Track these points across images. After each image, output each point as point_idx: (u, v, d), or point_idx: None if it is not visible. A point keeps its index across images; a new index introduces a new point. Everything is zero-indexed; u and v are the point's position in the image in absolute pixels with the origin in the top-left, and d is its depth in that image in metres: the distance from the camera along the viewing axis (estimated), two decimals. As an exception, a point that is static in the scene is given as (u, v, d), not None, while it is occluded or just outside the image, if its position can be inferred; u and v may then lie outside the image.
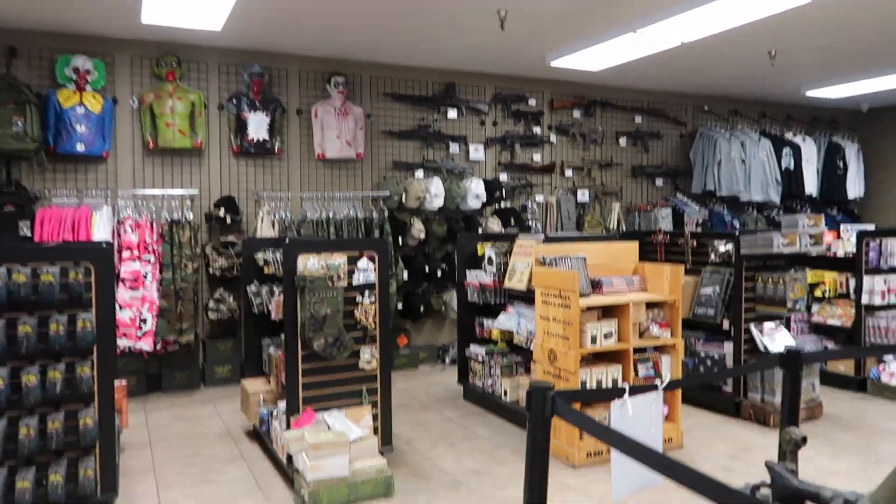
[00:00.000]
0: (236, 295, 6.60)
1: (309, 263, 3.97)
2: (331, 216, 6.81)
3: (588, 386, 4.34)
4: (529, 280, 5.10)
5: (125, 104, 6.28)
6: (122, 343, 5.76)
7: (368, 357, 4.16)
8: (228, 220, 6.47)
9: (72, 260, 3.45)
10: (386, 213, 7.09)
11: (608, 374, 4.42)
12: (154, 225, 6.07)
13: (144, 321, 5.88)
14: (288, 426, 4.00)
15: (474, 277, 5.81)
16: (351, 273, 4.11)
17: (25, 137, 5.28)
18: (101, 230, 5.64)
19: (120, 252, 5.87)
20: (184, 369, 6.37)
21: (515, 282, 5.29)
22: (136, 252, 5.90)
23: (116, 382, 4.52)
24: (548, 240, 5.10)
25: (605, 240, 5.50)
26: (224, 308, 6.43)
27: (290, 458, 3.91)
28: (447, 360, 7.38)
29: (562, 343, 4.40)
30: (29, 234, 5.47)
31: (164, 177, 6.48)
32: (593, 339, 4.35)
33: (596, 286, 4.63)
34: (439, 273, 7.38)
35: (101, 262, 3.53)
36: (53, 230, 5.52)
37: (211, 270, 6.42)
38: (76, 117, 5.79)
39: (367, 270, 4.15)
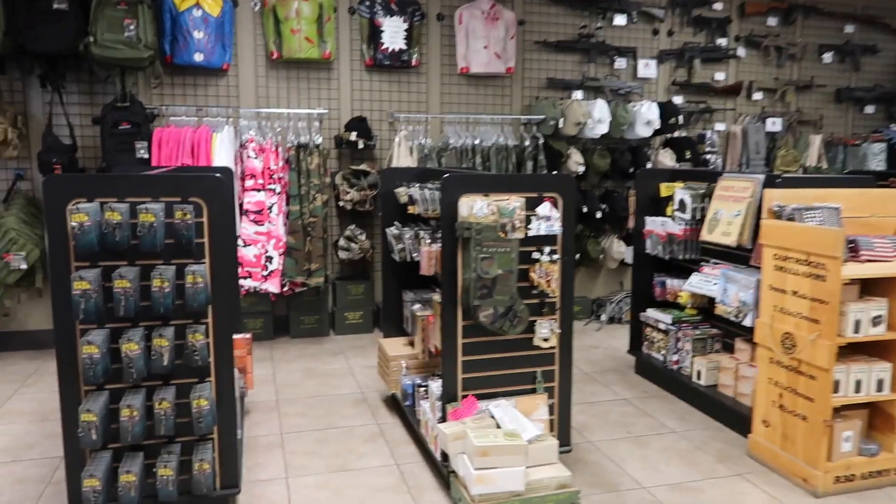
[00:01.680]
0: (369, 233, 5.80)
1: (475, 207, 2.99)
2: (476, 144, 5.78)
3: (843, 387, 3.17)
4: (741, 233, 3.89)
5: (245, 5, 5.44)
6: (247, 283, 5.13)
7: (546, 332, 3.18)
8: (360, 145, 5.60)
9: (179, 194, 2.65)
10: (540, 141, 5.97)
11: (872, 375, 3.21)
12: (279, 149, 5.30)
13: (270, 259, 5.21)
14: (443, 416, 3.13)
15: (658, 225, 4.64)
16: (527, 221, 3.09)
17: (139, 44, 4.56)
18: (222, 154, 4.93)
19: (243, 180, 5.17)
20: (312, 313, 5.71)
21: (719, 235, 4.09)
22: (260, 181, 5.17)
23: (240, 336, 3.86)
24: (772, 183, 3.83)
25: (851, 184, 4.12)
26: (356, 247, 5.65)
27: (445, 455, 3.07)
28: (603, 317, 6.32)
29: (806, 326, 3.22)
30: (146, 156, 4.84)
31: (290, 93, 5.67)
32: (857, 326, 3.13)
33: (851, 249, 3.36)
34: (598, 214, 6.23)
35: (216, 198, 2.71)
36: (172, 153, 4.86)
37: (341, 203, 5.63)
38: (193, 21, 5.02)
39: (549, 219, 3.12)
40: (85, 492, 2.53)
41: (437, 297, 3.41)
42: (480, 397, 3.13)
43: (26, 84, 5.05)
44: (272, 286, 5.22)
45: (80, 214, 2.41)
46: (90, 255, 2.53)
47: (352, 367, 4.98)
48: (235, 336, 3.70)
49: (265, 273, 5.19)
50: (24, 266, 4.79)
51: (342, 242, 5.67)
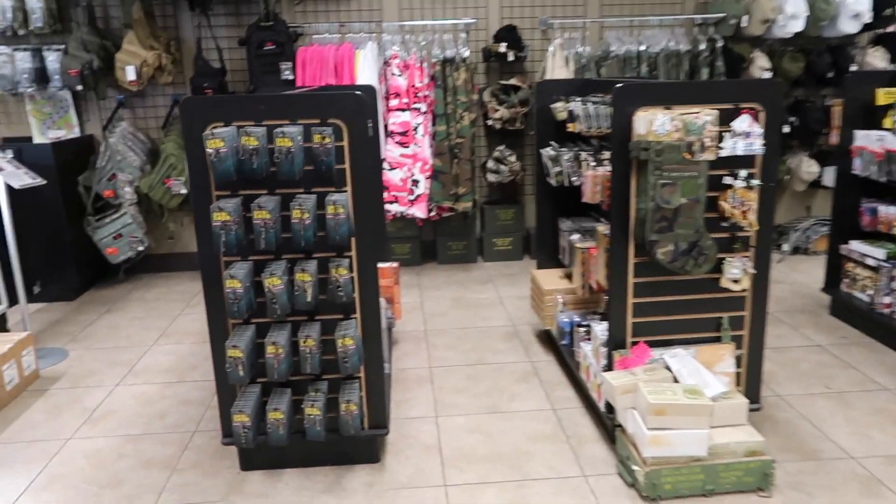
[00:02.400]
0: (519, 154, 5.39)
1: (656, 123, 2.48)
2: (642, 50, 5.08)
3: None
4: None
5: None
6: (394, 208, 4.96)
7: (738, 272, 2.67)
8: (510, 58, 5.11)
9: (317, 116, 2.39)
10: (719, 44, 5.14)
11: None
12: (424, 65, 4.95)
13: (416, 183, 4.97)
14: (609, 364, 2.76)
15: (872, 141, 3.81)
16: (719, 139, 2.54)
17: (279, -43, 4.33)
18: (365, 72, 4.67)
19: (387, 99, 4.91)
20: (460, 239, 5.48)
21: (962, 150, 3.25)
22: (404, 100, 4.88)
23: (388, 265, 3.69)
24: None
25: None
26: (505, 170, 5.27)
27: (609, 406, 2.72)
28: (786, 247, 5.53)
29: None
30: (291, 76, 4.70)
31: (435, 3, 5.25)
32: None
33: None
34: (786, 128, 5.35)
35: (357, 119, 2.43)
36: (315, 73, 4.68)
37: (489, 122, 5.23)
38: (334, -72, 4.70)
39: (748, 136, 2.55)
40: (235, 427, 2.47)
41: (601, 227, 2.98)
42: (654, 345, 2.72)
43: (177, 8, 5.05)
44: (419, 211, 5.01)
45: (216, 140, 2.23)
46: (229, 183, 2.37)
47: (501, 297, 4.71)
48: (382, 265, 3.53)
49: (411, 197, 4.98)
50: (184, 191, 4.92)
51: (491, 164, 5.30)
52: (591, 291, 3.38)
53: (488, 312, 4.44)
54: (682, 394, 2.44)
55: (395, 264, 3.77)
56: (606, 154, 3.13)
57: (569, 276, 3.75)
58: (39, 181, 3.77)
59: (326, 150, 2.34)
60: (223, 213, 2.28)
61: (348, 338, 2.47)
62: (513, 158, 5.29)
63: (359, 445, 2.72)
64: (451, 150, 5.01)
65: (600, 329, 2.91)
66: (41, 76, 4.87)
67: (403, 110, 4.86)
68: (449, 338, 4.04)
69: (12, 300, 3.91)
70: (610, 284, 2.72)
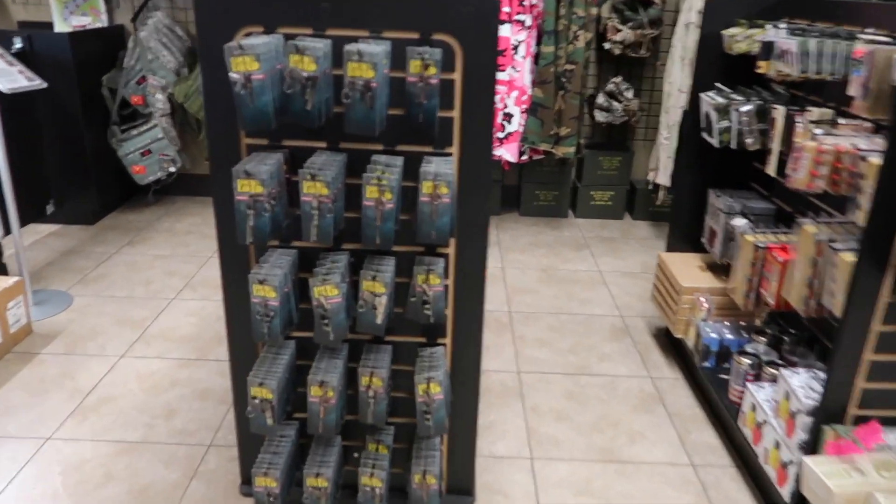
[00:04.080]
0: (638, 88, 4.30)
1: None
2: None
3: None
4: None
5: None
6: (476, 147, 3.99)
7: None
8: (644, -37, 3.95)
9: (416, 25, 1.44)
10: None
11: None
12: (535, -35, 3.85)
13: (510, 118, 3.98)
14: (812, 442, 1.84)
15: None
16: None
17: None
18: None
19: (483, 7, 3.83)
20: (551, 188, 4.50)
21: None
22: (506, 8, 3.81)
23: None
24: None
25: None
26: (618, 108, 4.21)
27: (800, 497, 1.83)
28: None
29: None
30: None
31: None
32: None
33: None
34: None
35: (482, 39, 1.47)
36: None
37: (607, 45, 4.13)
38: None
39: None
40: (258, 492, 1.67)
41: (810, 226, 1.99)
42: (888, 423, 1.79)
43: None
44: (508, 153, 4.04)
45: (247, 59, 1.30)
46: (264, 132, 1.46)
47: (602, 272, 3.78)
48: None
49: (501, 135, 4.00)
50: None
51: (601, 100, 4.24)
52: (757, 303, 2.43)
53: (588, 293, 3.53)
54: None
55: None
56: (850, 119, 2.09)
57: (712, 269, 2.79)
58: (37, 84, 2.93)
59: (428, 88, 1.40)
60: (251, 182, 1.38)
61: (435, 384, 1.60)
62: (630, 94, 4.22)
63: (430, 514, 1.91)
64: (557, 79, 3.96)
65: (798, 383, 1.97)
66: (60, -54, 3.95)
67: (503, 22, 3.80)
68: (540, 328, 3.16)
69: (7, 229, 3.16)
70: (838, 328, 1.76)
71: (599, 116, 4.26)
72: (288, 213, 1.56)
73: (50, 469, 2.15)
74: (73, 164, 4.03)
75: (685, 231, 3.01)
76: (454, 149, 1.55)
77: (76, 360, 2.74)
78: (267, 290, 1.48)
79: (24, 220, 4.00)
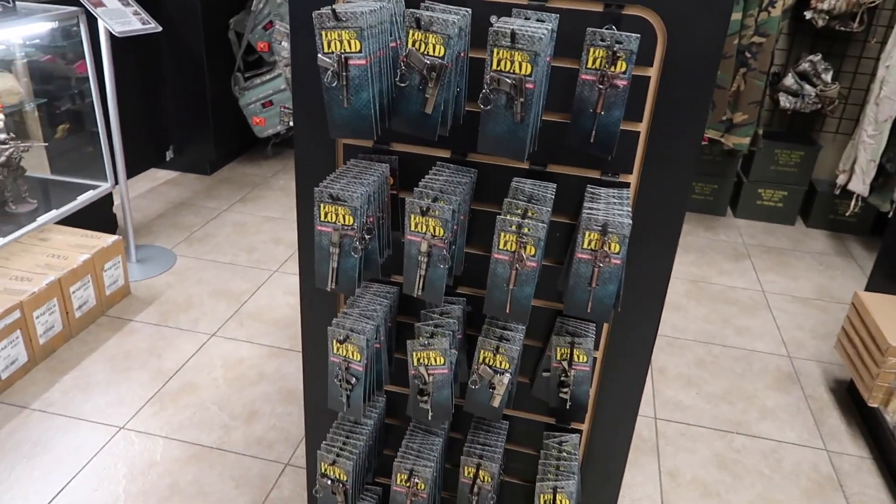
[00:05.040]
0: (837, 70, 3.51)
1: None
2: None
3: None
4: None
5: None
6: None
7: None
8: (874, -88, 3.12)
9: None
10: None
11: None
12: None
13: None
14: None
15: None
16: None
17: None
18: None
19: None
20: (710, 180, 3.84)
21: None
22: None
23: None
24: None
25: None
26: (811, 92, 3.45)
27: None
28: None
29: None
30: None
31: None
32: None
33: None
34: None
35: (696, 14, 0.95)
36: None
37: (808, 14, 3.36)
38: None
39: None
40: (321, 580, 1.32)
41: None
42: None
43: None
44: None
45: (345, 34, 0.87)
46: (364, 132, 1.04)
47: (766, 292, 3.14)
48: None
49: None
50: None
51: (789, 81, 3.49)
52: None
53: (747, 319, 2.92)
54: None
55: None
56: None
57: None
58: (152, 27, 2.68)
59: (614, 92, 0.91)
60: (339, 210, 0.97)
61: (563, 496, 1.16)
62: (828, 77, 3.44)
63: None
64: (739, 54, 3.27)
65: None
66: None
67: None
68: (685, 360, 2.62)
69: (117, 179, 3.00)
70: None
71: (785, 101, 3.52)
72: (391, 239, 1.15)
73: (116, 470, 1.94)
74: (195, 111, 3.85)
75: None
76: (632, 178, 1.06)
77: (166, 333, 2.54)
78: (351, 349, 1.09)
79: (144, 166, 3.91)
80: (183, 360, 2.40)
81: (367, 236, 1.02)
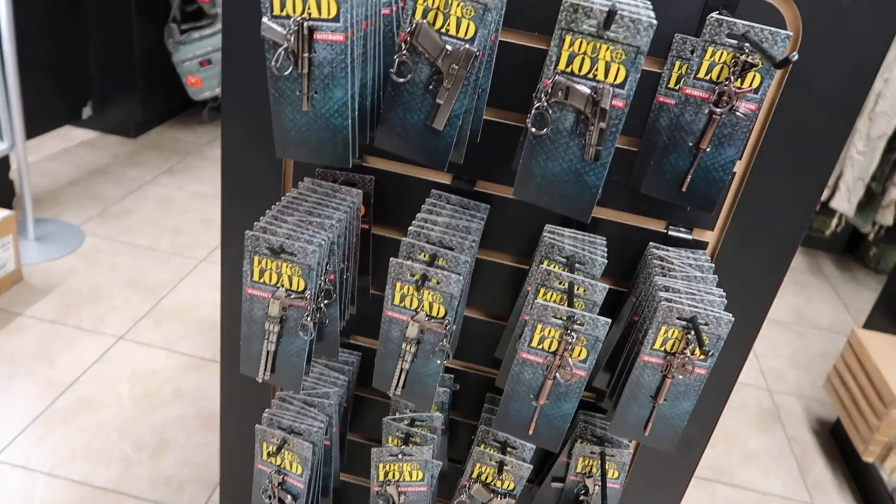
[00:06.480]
0: None
1: None
2: None
3: None
4: None
5: None
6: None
7: None
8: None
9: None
10: None
11: None
12: None
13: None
14: None
15: None
16: None
17: None
18: None
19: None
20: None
21: None
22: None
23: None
24: None
25: None
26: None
27: None
28: None
29: None
30: None
31: None
32: None
33: None
34: None
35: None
36: None
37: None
38: None
39: None
40: None
41: None
42: None
43: None
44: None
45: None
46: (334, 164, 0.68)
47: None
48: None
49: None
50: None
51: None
52: None
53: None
54: None
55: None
56: None
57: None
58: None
59: (734, 120, 0.58)
60: (285, 268, 0.62)
61: None
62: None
63: None
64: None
65: None
66: None
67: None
68: (663, 390, 2.37)
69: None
70: None
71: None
72: (357, 289, 0.80)
73: (-22, 516, 1.54)
74: (120, 62, 3.34)
75: (901, 307, 2.13)
76: (712, 236, 0.74)
77: (63, 333, 2.11)
78: (289, 459, 0.74)
79: (55, 122, 3.38)
80: (81, 368, 1.99)
81: (323, 304, 0.67)
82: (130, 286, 2.38)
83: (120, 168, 3.18)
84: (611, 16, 0.48)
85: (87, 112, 3.40)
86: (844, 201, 3.13)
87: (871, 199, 3.21)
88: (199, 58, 3.40)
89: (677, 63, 0.64)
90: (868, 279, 3.40)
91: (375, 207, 0.80)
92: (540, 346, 0.61)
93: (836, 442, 2.25)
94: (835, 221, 3.23)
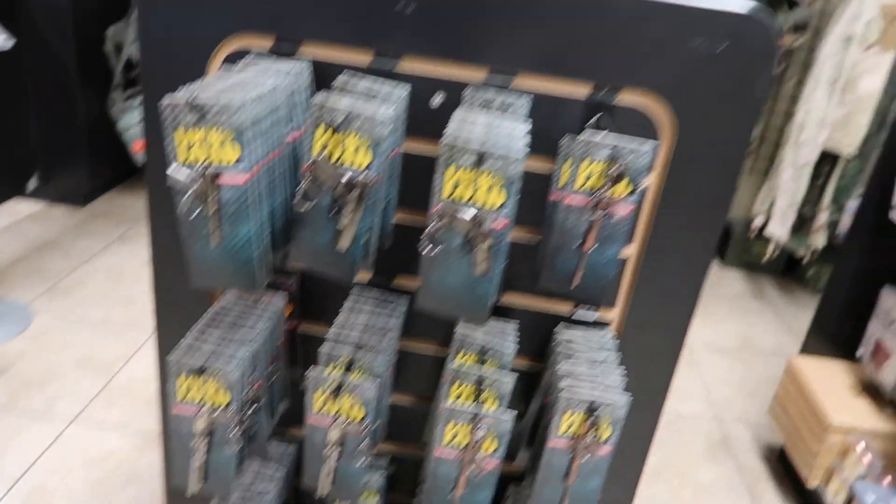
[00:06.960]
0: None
1: None
2: None
3: None
4: None
5: None
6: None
7: None
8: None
9: (585, 74, 0.68)
10: None
11: None
12: None
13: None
14: None
15: None
16: None
17: None
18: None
19: None
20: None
21: None
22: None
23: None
24: None
25: None
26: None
27: None
28: None
29: None
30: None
31: None
32: None
33: None
34: None
35: (715, 100, 0.71)
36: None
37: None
38: None
39: None
40: None
41: None
42: None
43: None
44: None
45: (213, 133, 0.56)
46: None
47: (691, 343, 3.02)
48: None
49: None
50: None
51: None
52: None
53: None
54: None
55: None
56: None
57: (873, 393, 2.02)
58: (3, 42, 2.21)
59: (611, 223, 0.64)
60: (209, 385, 0.65)
61: None
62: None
63: None
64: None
65: None
66: None
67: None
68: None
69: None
70: None
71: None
72: (289, 383, 0.84)
73: None
74: (65, 133, 3.34)
75: (833, 333, 2.23)
76: (615, 314, 0.80)
77: (12, 422, 2.07)
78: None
79: (1, 197, 3.35)
80: (32, 458, 1.95)
81: (250, 410, 0.70)
82: (82, 365, 2.35)
83: (69, 240, 3.15)
84: (481, 157, 0.54)
85: (33, 184, 3.37)
86: (779, 227, 3.28)
87: (802, 224, 3.37)
88: (143, 123, 3.41)
89: (564, 165, 0.70)
90: (808, 299, 3.54)
91: (302, 303, 0.84)
92: (451, 444, 0.66)
93: (783, 468, 2.32)
94: (771, 247, 3.37)
